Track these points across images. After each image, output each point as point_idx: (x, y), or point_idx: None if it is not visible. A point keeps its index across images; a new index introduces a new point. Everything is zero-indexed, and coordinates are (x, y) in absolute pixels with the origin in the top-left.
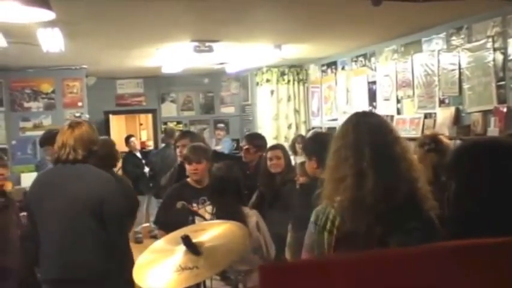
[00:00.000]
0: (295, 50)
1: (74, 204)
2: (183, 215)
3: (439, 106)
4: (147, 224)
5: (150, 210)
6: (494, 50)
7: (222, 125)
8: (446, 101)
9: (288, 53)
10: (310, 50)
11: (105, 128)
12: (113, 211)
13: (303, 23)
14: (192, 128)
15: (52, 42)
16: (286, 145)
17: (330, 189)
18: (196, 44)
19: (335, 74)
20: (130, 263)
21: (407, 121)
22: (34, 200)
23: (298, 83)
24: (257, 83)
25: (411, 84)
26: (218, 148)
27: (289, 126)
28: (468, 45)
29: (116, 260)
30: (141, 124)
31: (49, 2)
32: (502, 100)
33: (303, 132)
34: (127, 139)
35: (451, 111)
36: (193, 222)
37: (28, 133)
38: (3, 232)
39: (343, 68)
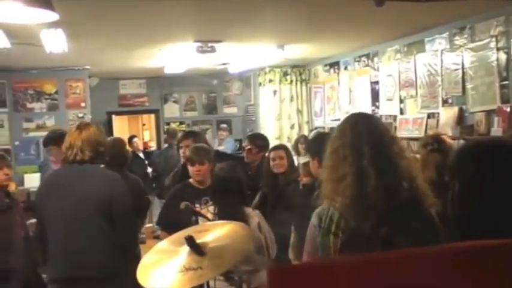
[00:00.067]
0: (298, 50)
1: (82, 204)
2: (186, 215)
3: (442, 106)
4: (150, 225)
5: (153, 210)
6: (498, 49)
7: (224, 126)
8: (450, 100)
9: (290, 53)
10: (312, 50)
11: (108, 128)
12: (120, 210)
13: (305, 23)
14: (195, 129)
15: (55, 43)
16: (289, 145)
17: (330, 190)
18: (199, 44)
19: (338, 74)
20: (139, 262)
21: (410, 121)
22: (42, 201)
23: (301, 83)
24: (260, 83)
25: (414, 84)
26: (221, 148)
27: (292, 127)
28: (471, 45)
29: (125, 259)
30: (143, 124)
31: (52, 3)
32: (505, 100)
33: (305, 132)
34: (130, 139)
35: (454, 111)
36: (196, 222)
37: (31, 134)
38: (7, 232)
39: (345, 68)
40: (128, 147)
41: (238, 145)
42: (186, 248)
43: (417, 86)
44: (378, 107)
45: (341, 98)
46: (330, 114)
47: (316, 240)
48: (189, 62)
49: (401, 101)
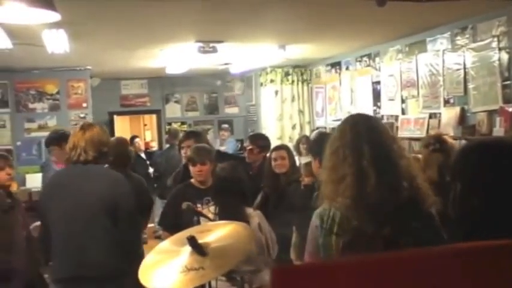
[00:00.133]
0: (300, 50)
1: (86, 204)
2: (188, 215)
3: (444, 106)
4: (152, 225)
5: (154, 210)
6: (500, 49)
7: (226, 126)
8: (451, 101)
9: (292, 53)
10: (314, 50)
11: (110, 128)
12: (124, 210)
13: (307, 23)
14: (197, 129)
15: (57, 43)
16: (291, 145)
17: (330, 190)
18: (201, 44)
19: (339, 74)
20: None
21: (412, 121)
22: (46, 201)
23: (303, 83)
24: (261, 84)
25: (416, 84)
26: (222, 149)
27: (294, 127)
28: (473, 45)
29: (128, 259)
30: (145, 125)
31: (54, 3)
32: (507, 100)
33: (307, 132)
34: (131, 140)
35: (456, 111)
36: (198, 223)
37: (33, 134)
38: (9, 233)
39: (347, 68)
40: (130, 147)
41: (239, 145)
42: (188, 248)
43: (419, 86)
44: (379, 107)
45: (342, 98)
46: (332, 115)
47: (318, 241)
48: (190, 62)
49: (403, 101)
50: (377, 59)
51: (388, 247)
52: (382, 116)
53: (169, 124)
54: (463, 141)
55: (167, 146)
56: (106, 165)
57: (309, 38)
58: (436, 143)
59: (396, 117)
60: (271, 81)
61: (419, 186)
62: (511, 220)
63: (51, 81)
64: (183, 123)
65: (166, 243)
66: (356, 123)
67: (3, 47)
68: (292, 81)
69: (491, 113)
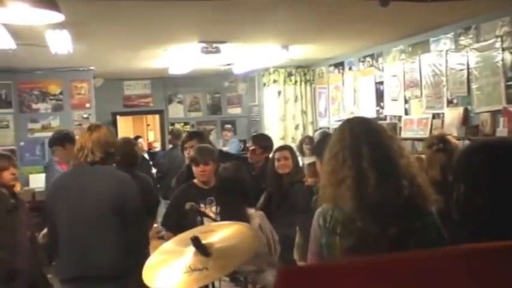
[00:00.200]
0: (303, 51)
1: (93, 204)
2: (192, 216)
3: (447, 106)
4: (155, 225)
5: (158, 211)
6: (503, 49)
7: (229, 126)
8: (455, 101)
9: (295, 54)
10: (317, 51)
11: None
12: (131, 210)
13: (310, 24)
14: (200, 129)
15: (60, 44)
16: (294, 146)
17: (330, 193)
18: (204, 45)
19: (342, 74)
20: None
21: (415, 121)
22: (53, 202)
23: (305, 83)
24: (264, 84)
25: (419, 85)
26: (225, 149)
27: (297, 127)
28: (476, 45)
29: (135, 259)
30: (148, 125)
31: (58, 4)
32: (510, 100)
33: (310, 133)
34: (134, 140)
35: (459, 111)
36: (202, 223)
37: (36, 134)
38: (13, 233)
39: (350, 69)
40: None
41: (242, 145)
42: (191, 249)
43: (422, 86)
44: (382, 108)
45: (345, 99)
46: (335, 115)
47: (320, 240)
48: (193, 62)
49: (406, 102)
50: (380, 59)
51: (393, 247)
52: (385, 116)
53: (172, 124)
54: (467, 142)
55: (170, 146)
56: (113, 165)
57: (312, 38)
58: (439, 143)
59: (399, 117)
60: (274, 81)
61: (420, 185)
62: None
63: (55, 82)
64: (186, 123)
65: (170, 244)
66: (354, 126)
67: (7, 47)
68: (295, 82)
69: (494, 113)
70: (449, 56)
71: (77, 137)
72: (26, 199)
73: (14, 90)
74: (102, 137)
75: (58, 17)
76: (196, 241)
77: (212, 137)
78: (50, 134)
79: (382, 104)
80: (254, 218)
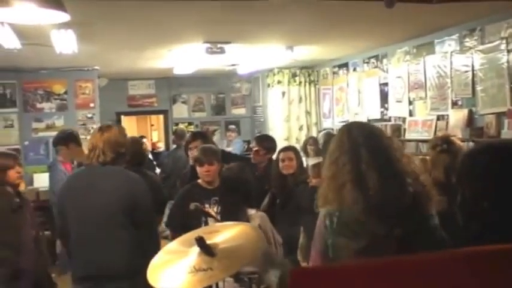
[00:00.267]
0: (307, 52)
1: (104, 204)
2: (196, 216)
3: (452, 108)
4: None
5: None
6: (508, 51)
7: (233, 127)
8: (459, 102)
9: (299, 55)
10: (321, 52)
11: None
12: (142, 210)
13: (314, 24)
14: (204, 129)
15: (65, 43)
16: (298, 147)
17: (331, 198)
18: (208, 45)
19: (346, 75)
20: None
21: (420, 123)
22: (64, 201)
23: (310, 84)
24: (268, 85)
25: (423, 86)
26: (229, 149)
27: (301, 128)
28: (481, 47)
29: (145, 257)
30: (152, 125)
31: (64, 4)
32: None
33: (314, 133)
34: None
35: (463, 113)
36: (206, 223)
37: (41, 134)
38: (18, 232)
39: (354, 70)
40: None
41: (246, 146)
42: (196, 249)
43: (426, 87)
44: (386, 109)
45: (350, 100)
46: (339, 116)
47: (326, 240)
48: (198, 63)
49: (410, 103)
50: (384, 61)
51: (400, 248)
52: (390, 117)
53: (176, 124)
54: (471, 143)
55: (174, 146)
56: (123, 166)
57: (316, 39)
58: (443, 144)
59: (404, 119)
60: (279, 82)
61: (424, 184)
62: None
63: (59, 81)
64: (190, 123)
65: (174, 244)
66: (352, 131)
67: (12, 47)
68: (300, 83)
69: (499, 115)
70: (454, 58)
71: (82, 137)
72: (30, 198)
73: (18, 90)
74: (112, 137)
75: (64, 16)
76: (201, 241)
77: (216, 138)
78: (54, 133)
79: (386, 105)
80: (254, 218)
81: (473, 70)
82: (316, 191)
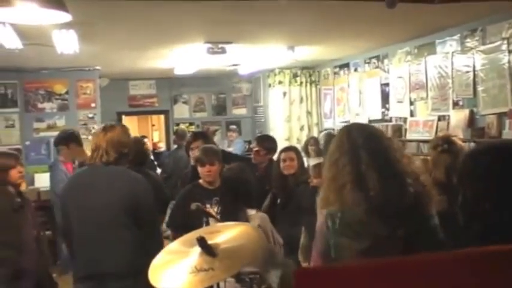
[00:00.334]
0: (308, 52)
1: (106, 204)
2: (197, 216)
3: (453, 108)
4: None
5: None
6: (509, 52)
7: (234, 127)
8: (460, 103)
9: (300, 55)
10: (322, 52)
11: None
12: (145, 210)
13: (316, 25)
14: (205, 129)
15: (66, 43)
16: (299, 147)
17: (332, 199)
18: (210, 45)
19: (348, 75)
20: None
21: (421, 123)
22: (68, 201)
23: (311, 84)
24: (269, 85)
25: (425, 86)
26: (230, 150)
27: (302, 128)
28: (482, 47)
29: (147, 256)
30: (153, 125)
31: (65, 4)
32: None
33: (315, 134)
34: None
35: (465, 113)
36: (207, 223)
37: (42, 134)
38: (19, 232)
39: (355, 70)
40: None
41: (247, 146)
42: (197, 249)
43: (428, 88)
44: (388, 109)
45: (351, 100)
46: (340, 116)
47: (328, 241)
48: (199, 63)
49: (411, 103)
50: (386, 61)
51: (403, 248)
52: (391, 118)
53: (177, 125)
54: (472, 144)
55: (175, 146)
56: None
57: (317, 39)
58: (444, 144)
59: (405, 119)
60: (280, 82)
61: (424, 184)
62: None
63: (60, 81)
64: (191, 123)
65: (176, 244)
66: (351, 132)
67: (14, 47)
68: (301, 83)
69: (500, 116)
70: (455, 58)
71: (83, 137)
72: (31, 198)
73: (20, 90)
74: (115, 137)
75: (65, 17)
76: (202, 241)
77: (217, 138)
78: (55, 133)
79: (387, 105)
80: (254, 219)
81: (474, 70)
82: (317, 191)
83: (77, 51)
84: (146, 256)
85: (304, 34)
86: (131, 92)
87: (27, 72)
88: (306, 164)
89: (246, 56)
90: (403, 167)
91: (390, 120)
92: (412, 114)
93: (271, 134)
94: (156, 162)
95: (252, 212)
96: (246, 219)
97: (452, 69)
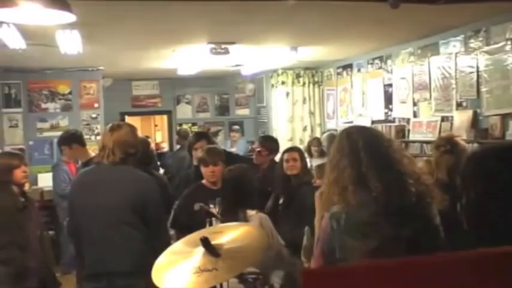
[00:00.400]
0: (311, 52)
1: (114, 202)
2: (200, 216)
3: (456, 109)
4: None
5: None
6: None
7: (237, 127)
8: (464, 104)
9: (303, 55)
10: (326, 52)
11: None
12: (152, 209)
13: (319, 25)
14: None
15: (70, 44)
16: (301, 147)
17: (337, 200)
18: (213, 46)
19: (351, 76)
20: None
21: (424, 124)
22: (76, 199)
23: (314, 85)
24: (272, 85)
25: (428, 87)
26: (233, 150)
27: (304, 129)
28: (486, 48)
29: (156, 256)
30: (156, 125)
31: (69, 4)
32: None
33: (318, 134)
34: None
35: (468, 114)
36: (211, 224)
37: (45, 134)
38: (24, 232)
39: (359, 71)
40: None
41: (250, 147)
42: (200, 250)
43: (431, 88)
44: (391, 110)
45: (354, 101)
46: (343, 117)
47: (333, 241)
48: (202, 63)
49: (414, 104)
50: (389, 62)
51: (409, 248)
52: (394, 118)
53: (180, 125)
54: (476, 145)
55: (178, 147)
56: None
57: (320, 40)
58: (446, 144)
59: (408, 120)
60: (283, 83)
61: (426, 183)
62: None
63: (64, 82)
64: (194, 124)
65: (179, 244)
66: (351, 135)
67: (17, 47)
68: (304, 83)
69: (504, 117)
70: (458, 59)
71: (86, 137)
72: (34, 198)
73: (23, 90)
74: (122, 137)
75: (70, 17)
76: (205, 242)
77: (220, 138)
78: (58, 133)
79: (390, 106)
80: (253, 219)
81: (478, 71)
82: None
83: (81, 51)
84: (154, 255)
85: (307, 34)
86: (134, 93)
87: (30, 72)
88: (308, 165)
89: (249, 57)
90: (404, 167)
91: (393, 121)
92: (415, 115)
93: (274, 134)
94: (158, 163)
95: (251, 212)
96: (245, 219)
97: (456, 70)
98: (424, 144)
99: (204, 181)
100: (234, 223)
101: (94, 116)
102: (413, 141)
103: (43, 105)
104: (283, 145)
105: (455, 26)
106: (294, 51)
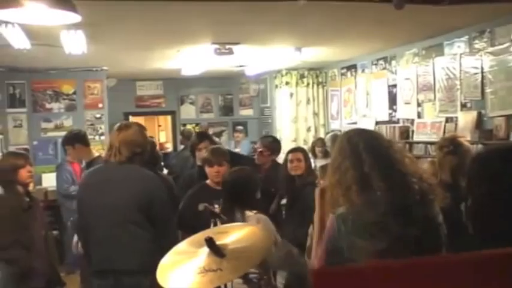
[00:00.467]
0: (315, 53)
1: (121, 201)
2: (205, 217)
3: (461, 110)
4: None
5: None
6: None
7: (240, 127)
8: (468, 105)
9: (307, 56)
10: (330, 53)
11: None
12: (158, 208)
13: (323, 26)
14: (211, 131)
15: (74, 44)
16: (305, 148)
17: (342, 200)
18: (217, 46)
19: (355, 77)
20: None
21: (428, 125)
22: (83, 197)
23: (318, 85)
24: (276, 86)
25: (432, 88)
26: (237, 150)
27: (308, 129)
28: (491, 49)
29: (163, 254)
30: (159, 126)
31: (74, 4)
32: None
33: (321, 135)
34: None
35: (473, 115)
36: (215, 224)
37: (49, 134)
38: (29, 231)
39: (363, 71)
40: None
41: (253, 147)
42: (205, 250)
43: (435, 89)
44: (395, 111)
45: (358, 101)
46: (347, 118)
47: (339, 242)
48: (206, 63)
49: (419, 105)
50: (393, 62)
51: (417, 247)
52: (398, 119)
53: (184, 125)
54: (480, 146)
55: (182, 147)
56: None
57: (324, 40)
58: (450, 145)
59: (412, 120)
60: (287, 83)
61: (429, 182)
62: None
63: (68, 82)
64: (197, 124)
65: (184, 245)
66: (352, 136)
67: (22, 47)
68: (308, 84)
69: (508, 118)
70: (463, 60)
71: (90, 137)
72: (38, 198)
73: (28, 90)
74: (128, 136)
75: (75, 17)
76: (210, 242)
77: (223, 138)
78: (62, 133)
79: (394, 107)
80: (251, 221)
81: (482, 72)
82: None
83: (85, 51)
84: (160, 254)
85: (311, 35)
86: (138, 93)
87: (35, 73)
88: (312, 165)
89: (253, 57)
90: (406, 167)
91: (397, 122)
92: (419, 115)
93: (278, 135)
94: (162, 163)
95: (250, 213)
96: (243, 220)
97: (460, 70)
98: (429, 145)
99: (208, 181)
100: (239, 223)
101: (98, 116)
102: (418, 142)
103: (47, 105)
104: (287, 146)
105: (459, 27)
106: (298, 51)
